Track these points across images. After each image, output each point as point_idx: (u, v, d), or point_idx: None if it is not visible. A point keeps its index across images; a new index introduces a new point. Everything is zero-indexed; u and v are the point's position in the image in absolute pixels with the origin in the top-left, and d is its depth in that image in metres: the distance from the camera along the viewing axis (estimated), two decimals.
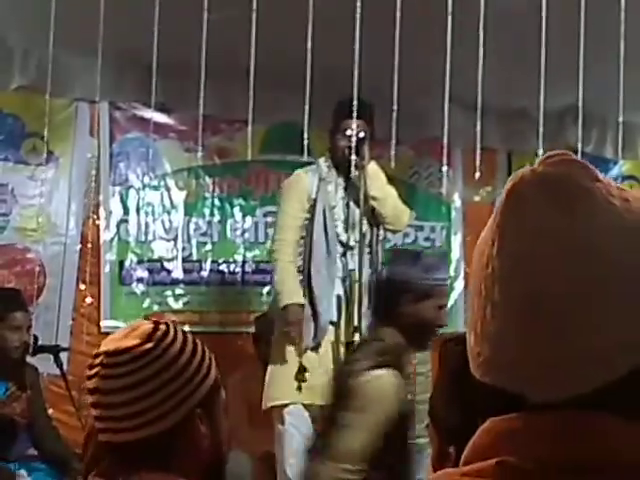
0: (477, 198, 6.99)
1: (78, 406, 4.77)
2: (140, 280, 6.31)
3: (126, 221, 6.31)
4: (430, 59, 4.38)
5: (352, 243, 4.95)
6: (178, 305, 6.37)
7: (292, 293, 4.85)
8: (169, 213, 6.43)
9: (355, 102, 4.36)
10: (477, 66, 4.21)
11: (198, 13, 4.19)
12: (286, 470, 4.87)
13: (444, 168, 5.37)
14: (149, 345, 1.84)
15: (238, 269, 6.56)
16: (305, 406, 4.88)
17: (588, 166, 1.01)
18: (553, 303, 0.95)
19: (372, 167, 4.94)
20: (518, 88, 5.63)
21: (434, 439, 2.02)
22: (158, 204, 6.40)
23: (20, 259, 5.99)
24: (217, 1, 4.25)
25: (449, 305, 6.87)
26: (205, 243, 6.50)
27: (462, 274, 6.92)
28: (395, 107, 4.26)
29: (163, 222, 6.41)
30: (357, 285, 4.87)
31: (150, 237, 6.35)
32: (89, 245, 5.96)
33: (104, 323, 6.09)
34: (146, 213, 6.36)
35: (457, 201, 7.06)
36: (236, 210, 6.57)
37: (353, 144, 4.75)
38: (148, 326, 1.88)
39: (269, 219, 6.54)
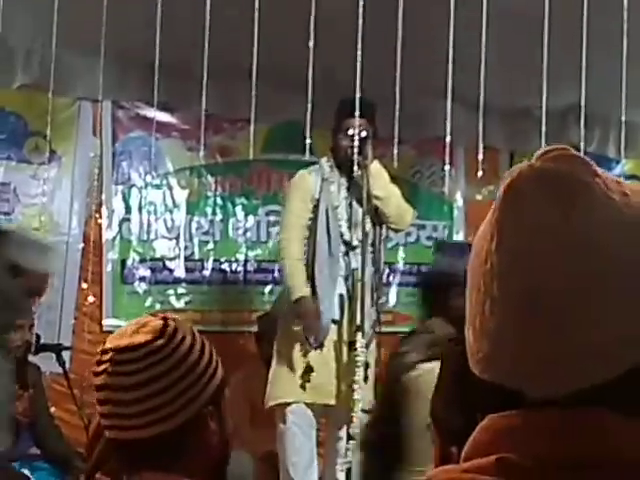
0: (479, 197, 6.99)
1: (80, 405, 4.77)
2: (142, 279, 6.31)
3: (128, 220, 6.31)
4: (432, 58, 4.38)
5: (355, 242, 4.95)
6: (180, 304, 6.37)
7: (303, 286, 4.84)
8: (171, 212, 6.42)
9: (357, 101, 4.36)
10: (479, 65, 4.21)
11: (200, 12, 4.20)
12: (288, 469, 4.87)
13: (446, 167, 5.38)
14: (161, 342, 1.81)
15: (240, 268, 6.56)
16: (307, 405, 4.88)
17: (586, 161, 1.01)
18: (552, 299, 0.95)
19: (375, 166, 4.93)
20: (521, 87, 5.63)
21: (436, 440, 2.02)
22: (160, 203, 6.40)
23: None
24: (220, 1, 4.25)
25: None
26: (207, 242, 6.50)
27: None
28: (397, 106, 4.27)
29: (165, 221, 6.41)
30: (360, 284, 4.87)
31: (152, 236, 6.35)
32: (91, 244, 5.97)
33: (106, 322, 6.09)
34: (148, 212, 6.36)
35: (459, 200, 7.05)
36: (238, 209, 6.57)
37: (356, 143, 4.75)
38: (158, 322, 1.85)
39: (271, 218, 6.54)
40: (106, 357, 1.82)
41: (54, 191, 6.06)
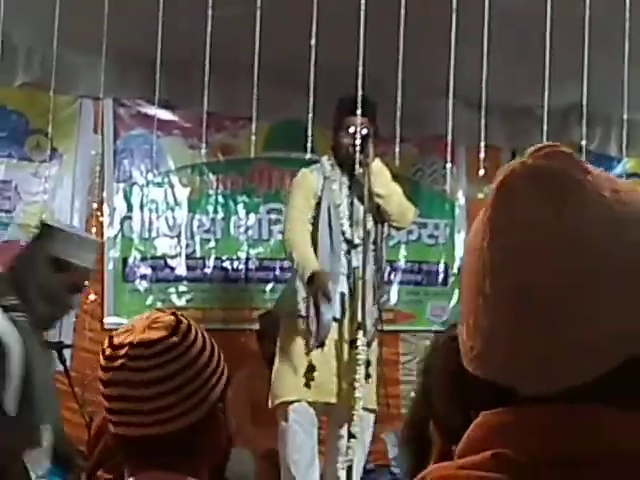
0: (481, 195, 6.98)
1: (82, 403, 4.76)
2: (143, 277, 6.31)
3: (130, 218, 6.31)
4: (434, 57, 4.38)
5: (357, 241, 4.94)
6: (181, 302, 6.37)
7: (315, 263, 4.82)
8: (173, 210, 6.43)
9: (359, 100, 4.36)
10: (481, 64, 4.21)
11: (202, 10, 4.20)
12: (289, 467, 4.87)
13: (448, 165, 5.38)
14: (176, 339, 1.80)
15: (241, 266, 6.56)
16: (309, 403, 4.88)
17: (578, 158, 1.02)
18: (544, 296, 0.95)
19: (377, 164, 4.93)
20: (522, 86, 5.63)
21: (436, 438, 2.02)
22: (162, 201, 6.40)
23: None
24: None
25: (453, 303, 6.94)
26: (208, 240, 6.50)
27: None
28: (399, 105, 4.27)
29: (167, 219, 6.41)
30: (361, 282, 4.87)
31: (154, 234, 6.35)
32: None
33: (107, 320, 6.10)
34: (150, 210, 6.36)
35: (461, 198, 7.05)
36: (240, 207, 6.57)
37: (358, 141, 4.74)
38: (170, 318, 1.84)
39: (272, 216, 6.55)
40: (121, 352, 1.79)
41: (55, 189, 6.06)
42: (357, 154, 4.73)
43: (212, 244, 6.49)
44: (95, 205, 6.14)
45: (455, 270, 6.82)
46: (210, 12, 4.19)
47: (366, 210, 4.89)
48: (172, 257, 6.39)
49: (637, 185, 1.04)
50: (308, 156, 4.59)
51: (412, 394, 5.13)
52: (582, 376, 0.95)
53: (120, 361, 1.79)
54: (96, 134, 6.18)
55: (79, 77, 5.87)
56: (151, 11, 4.22)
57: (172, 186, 6.42)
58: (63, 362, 4.93)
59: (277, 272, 6.54)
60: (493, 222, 0.99)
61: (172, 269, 6.38)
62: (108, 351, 1.82)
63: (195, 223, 6.46)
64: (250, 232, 6.58)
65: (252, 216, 6.59)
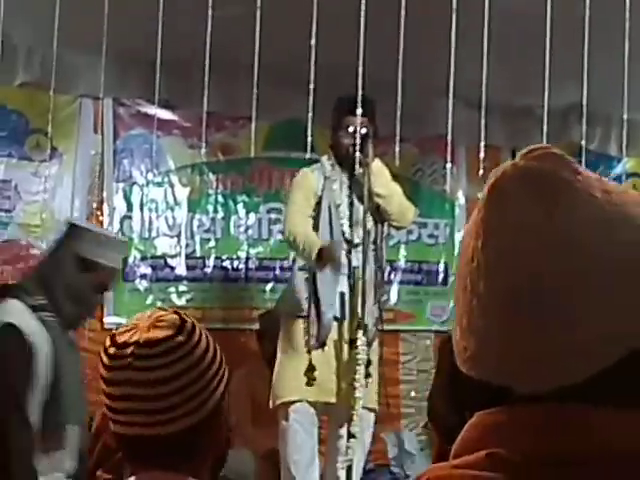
0: (481, 195, 6.95)
1: None
2: (143, 276, 6.32)
3: (130, 217, 6.31)
4: (434, 57, 4.38)
5: (357, 240, 4.94)
6: (181, 301, 6.37)
7: (318, 240, 4.81)
8: (173, 210, 6.43)
9: (359, 99, 4.36)
10: (481, 64, 4.21)
11: (202, 10, 4.20)
12: (290, 467, 4.87)
13: (448, 165, 5.39)
14: (181, 338, 1.79)
15: (241, 266, 6.56)
16: (310, 403, 4.88)
17: (569, 159, 1.02)
18: (535, 297, 0.96)
19: (376, 164, 4.93)
20: (522, 86, 5.63)
21: (434, 438, 2.02)
22: (162, 201, 6.40)
23: (24, 255, 5.99)
24: None
25: (453, 303, 6.94)
26: (208, 240, 6.50)
27: None
28: (399, 104, 4.26)
29: (167, 218, 6.42)
30: (361, 282, 4.87)
31: (154, 233, 6.36)
32: None
33: (107, 319, 6.09)
34: (150, 210, 6.37)
35: (461, 198, 7.06)
36: (240, 207, 6.57)
37: (358, 141, 4.74)
38: (174, 316, 1.83)
39: (272, 216, 6.55)
40: (127, 351, 1.77)
41: (55, 188, 6.06)
42: (357, 154, 4.72)
43: (212, 244, 6.49)
44: (95, 205, 6.15)
45: (454, 270, 6.82)
46: (210, 12, 4.19)
47: (366, 210, 4.89)
48: (172, 257, 6.39)
49: (628, 187, 1.05)
50: (308, 156, 4.59)
51: (412, 394, 5.09)
52: (574, 376, 0.96)
53: (126, 360, 1.77)
54: (96, 134, 6.19)
55: (79, 77, 5.87)
56: (151, 11, 4.21)
57: (172, 186, 6.42)
58: None
59: (277, 272, 6.55)
60: (486, 224, 1.00)
61: (172, 269, 6.38)
62: (112, 350, 1.80)
63: (195, 223, 6.47)
64: (250, 232, 6.58)
65: (252, 216, 6.59)
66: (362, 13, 4.11)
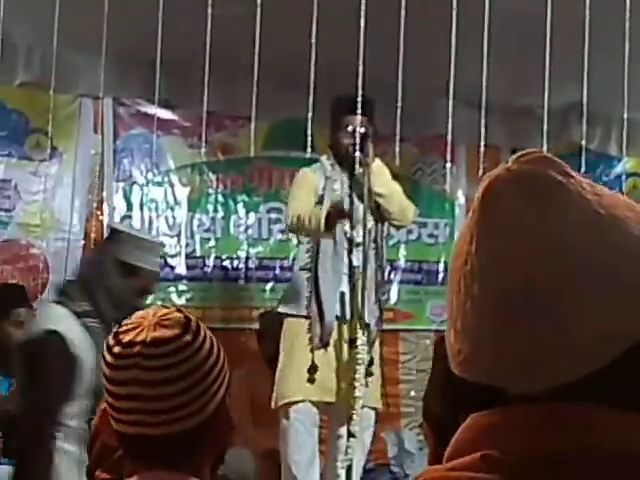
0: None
1: None
2: None
3: (130, 217, 6.32)
4: (434, 57, 4.38)
5: (359, 240, 4.93)
6: (181, 301, 6.38)
7: (321, 210, 4.79)
8: (173, 209, 6.43)
9: (359, 99, 4.36)
10: (481, 63, 4.21)
11: (202, 10, 4.20)
12: (290, 467, 4.87)
13: (448, 165, 5.39)
14: (188, 337, 1.77)
15: (241, 265, 6.56)
16: (313, 403, 4.88)
17: (561, 163, 1.03)
18: (529, 299, 0.96)
19: (376, 164, 4.92)
20: (522, 85, 5.63)
21: (430, 440, 2.02)
22: (162, 200, 6.40)
23: (23, 255, 5.99)
24: None
25: None
26: (208, 239, 6.50)
27: None
28: (399, 104, 4.26)
29: (167, 218, 6.42)
30: (361, 281, 4.86)
31: (153, 233, 6.35)
32: (92, 241, 5.96)
33: None
34: (150, 209, 6.37)
35: (461, 198, 7.06)
36: (239, 206, 6.58)
37: (357, 141, 4.74)
38: (178, 315, 1.81)
39: (272, 215, 6.55)
40: (133, 350, 1.76)
41: (55, 188, 6.06)
42: (357, 153, 4.72)
43: (212, 243, 6.49)
44: (95, 204, 6.15)
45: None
46: (210, 12, 4.19)
47: (366, 209, 4.88)
48: (172, 256, 6.39)
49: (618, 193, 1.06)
50: (308, 155, 4.59)
51: (412, 393, 5.08)
52: (567, 376, 0.96)
53: (133, 360, 1.75)
54: (96, 133, 6.19)
55: (79, 76, 5.87)
56: (151, 11, 4.21)
57: (172, 185, 6.42)
58: None
59: (277, 271, 6.55)
60: (479, 226, 1.01)
61: (172, 268, 6.38)
62: (117, 349, 1.78)
63: (195, 222, 6.47)
64: (250, 231, 6.58)
65: (252, 215, 6.59)
66: (362, 13, 4.11)
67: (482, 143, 4.50)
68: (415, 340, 6.87)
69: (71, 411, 3.74)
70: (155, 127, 5.29)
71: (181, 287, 6.40)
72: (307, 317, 4.87)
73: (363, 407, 4.79)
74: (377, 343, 5.01)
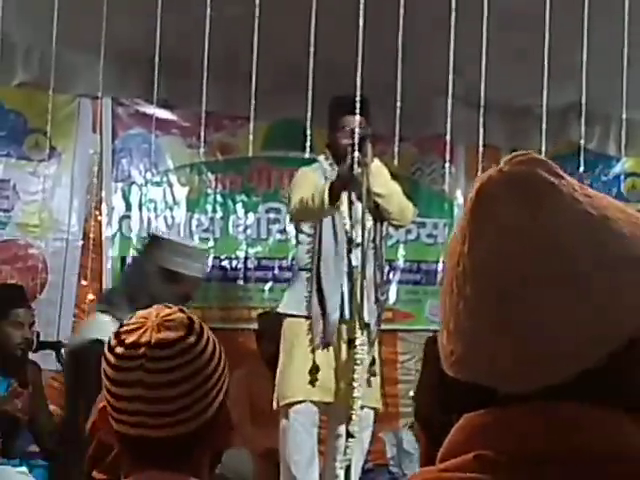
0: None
1: None
2: None
3: (128, 217, 6.31)
4: (433, 56, 4.38)
5: (359, 240, 4.92)
6: None
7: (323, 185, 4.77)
8: (171, 209, 6.42)
9: (358, 99, 4.36)
10: (480, 63, 4.21)
11: (201, 10, 4.19)
12: (290, 466, 4.86)
13: (447, 165, 5.39)
14: (192, 339, 1.76)
15: (240, 265, 6.56)
16: (314, 403, 4.87)
17: (553, 164, 1.04)
18: (520, 300, 0.97)
19: (375, 164, 4.91)
20: (521, 85, 5.63)
21: (422, 441, 2.01)
22: (160, 200, 6.40)
23: (22, 255, 5.99)
24: None
25: None
26: (207, 239, 6.49)
27: None
28: (398, 104, 4.26)
29: (165, 218, 6.41)
30: (360, 281, 4.86)
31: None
32: (91, 241, 5.96)
33: None
34: (148, 209, 6.36)
35: (460, 198, 7.05)
36: (238, 206, 6.57)
37: (356, 141, 4.73)
38: (181, 315, 1.80)
39: (271, 215, 6.55)
40: (138, 352, 1.73)
41: (54, 188, 6.06)
42: (355, 153, 4.71)
43: (211, 243, 6.49)
44: (94, 204, 6.15)
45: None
46: (209, 12, 4.19)
47: (364, 209, 4.87)
48: None
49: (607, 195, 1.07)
50: (307, 155, 4.58)
51: (411, 393, 5.08)
52: (559, 376, 0.97)
53: (137, 361, 1.73)
54: (95, 133, 6.18)
55: (78, 76, 5.87)
56: (150, 11, 4.21)
57: (171, 185, 6.42)
58: (61, 362, 4.94)
59: (276, 271, 6.54)
60: (472, 227, 1.01)
61: None
62: (120, 350, 1.77)
63: (194, 222, 6.46)
64: (249, 231, 6.58)
65: (251, 215, 6.59)
66: (361, 13, 4.11)
67: (481, 143, 4.50)
68: (414, 340, 6.85)
69: None
70: (154, 127, 5.29)
71: None
72: (307, 317, 4.87)
73: (363, 407, 4.79)
74: (376, 343, 5.01)
